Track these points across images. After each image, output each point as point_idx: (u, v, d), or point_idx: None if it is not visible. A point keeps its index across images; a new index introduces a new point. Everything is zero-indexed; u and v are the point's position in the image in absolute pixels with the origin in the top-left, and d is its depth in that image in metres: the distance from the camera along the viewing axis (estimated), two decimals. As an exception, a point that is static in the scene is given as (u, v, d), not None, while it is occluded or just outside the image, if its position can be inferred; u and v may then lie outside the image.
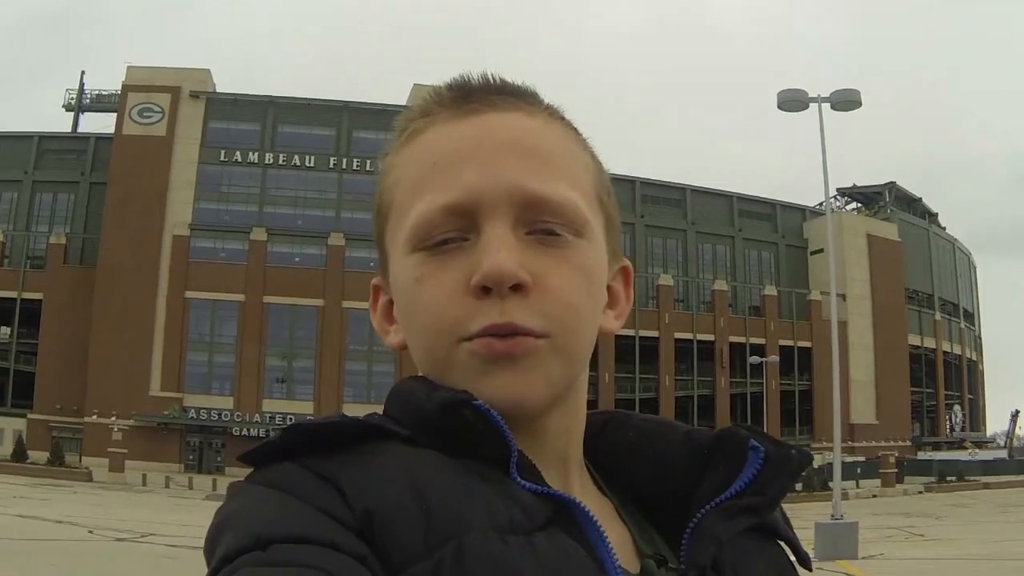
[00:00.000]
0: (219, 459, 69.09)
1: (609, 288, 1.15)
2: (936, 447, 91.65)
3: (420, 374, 1.09)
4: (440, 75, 1.11)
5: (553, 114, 1.13)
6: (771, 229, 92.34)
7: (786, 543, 1.15)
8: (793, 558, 1.16)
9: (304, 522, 0.88)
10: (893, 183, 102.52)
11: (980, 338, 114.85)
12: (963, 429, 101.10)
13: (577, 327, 1.04)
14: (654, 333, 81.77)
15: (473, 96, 1.09)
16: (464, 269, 1.01)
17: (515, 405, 1.01)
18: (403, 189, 1.08)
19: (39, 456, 60.27)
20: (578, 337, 1.04)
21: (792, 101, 28.32)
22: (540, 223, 1.04)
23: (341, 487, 0.91)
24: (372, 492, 0.91)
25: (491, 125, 1.06)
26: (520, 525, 0.92)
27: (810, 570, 1.20)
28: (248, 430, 68.54)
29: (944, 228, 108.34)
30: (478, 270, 1.00)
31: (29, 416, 71.79)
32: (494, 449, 0.98)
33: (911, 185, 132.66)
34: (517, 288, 1.00)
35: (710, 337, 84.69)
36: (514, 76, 1.14)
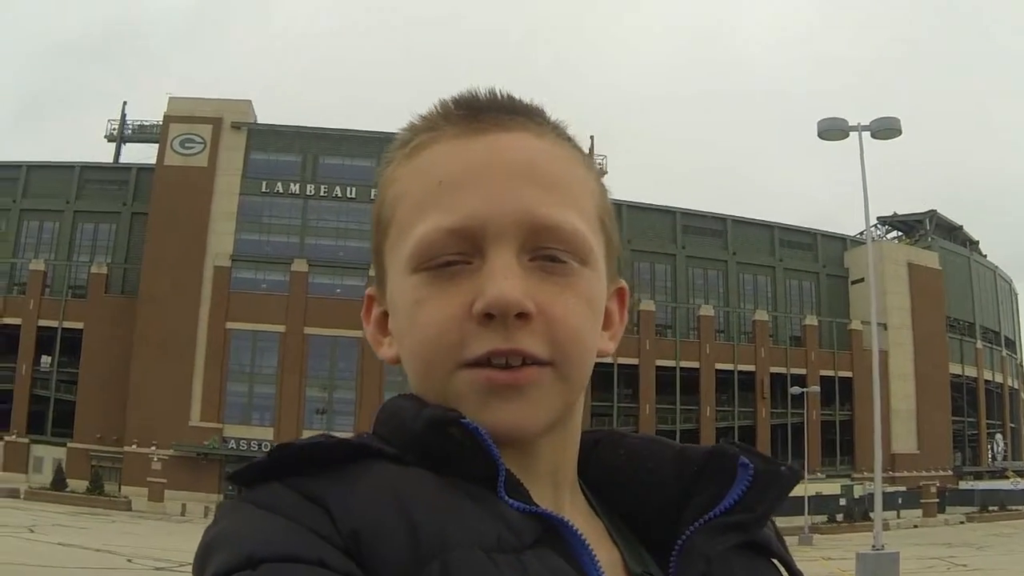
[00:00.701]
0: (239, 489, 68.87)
1: (605, 310, 1.14)
2: (978, 476, 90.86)
3: (410, 392, 1.09)
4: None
5: (560, 134, 1.12)
6: (812, 259, 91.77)
7: (779, 562, 1.14)
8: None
9: (293, 541, 0.88)
10: (934, 211, 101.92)
11: (1022, 366, 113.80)
12: (1005, 458, 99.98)
13: (580, 355, 1.05)
14: (695, 364, 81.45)
15: (481, 114, 1.08)
16: (466, 294, 1.01)
17: (514, 432, 1.02)
18: (406, 205, 1.07)
19: (79, 485, 60.81)
20: (580, 365, 1.05)
21: (833, 130, 28.13)
22: (545, 250, 1.04)
23: (328, 507, 0.92)
24: (359, 512, 0.91)
25: (499, 146, 1.06)
26: (508, 544, 0.93)
27: None
28: (289, 461, 68.17)
29: (985, 256, 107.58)
30: (481, 297, 1.00)
31: (69, 445, 71.96)
32: (482, 468, 0.98)
33: (953, 212, 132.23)
34: (521, 316, 1.00)
35: (751, 367, 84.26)
36: (522, 93, 1.13)
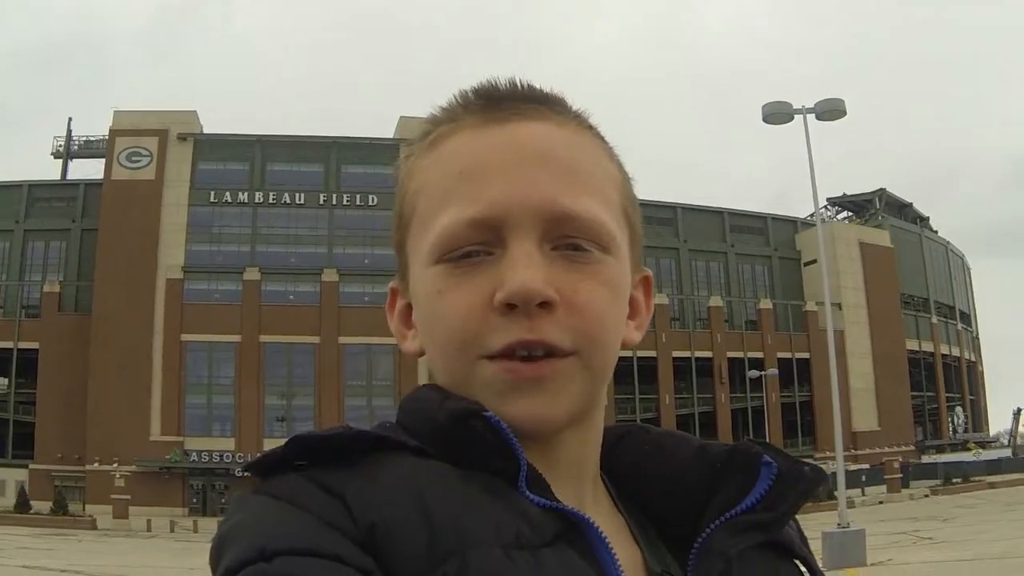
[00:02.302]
0: (223, 501, 68.73)
1: (631, 298, 1.13)
2: (940, 450, 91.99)
3: (435, 383, 1.08)
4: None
5: (582, 123, 1.11)
6: (763, 242, 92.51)
7: (801, 562, 1.13)
8: None
9: (309, 535, 0.87)
10: (883, 190, 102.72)
11: (978, 339, 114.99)
12: (966, 430, 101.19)
13: (605, 343, 1.04)
14: (652, 353, 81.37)
15: (501, 103, 1.07)
16: (488, 284, 1.00)
17: (537, 425, 1.01)
18: (427, 197, 1.07)
19: (42, 506, 60.41)
20: (605, 353, 1.04)
21: (777, 114, 28.33)
22: (567, 239, 1.03)
23: (346, 500, 0.91)
24: (377, 505, 0.90)
25: (520, 136, 1.05)
26: (527, 540, 0.92)
27: None
28: (250, 471, 67.95)
29: (936, 232, 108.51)
30: (503, 287, 0.99)
31: (31, 466, 71.45)
32: (504, 462, 0.97)
33: (902, 191, 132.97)
34: (544, 305, 0.99)
35: (708, 354, 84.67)
36: (543, 82, 1.12)
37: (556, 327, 1.00)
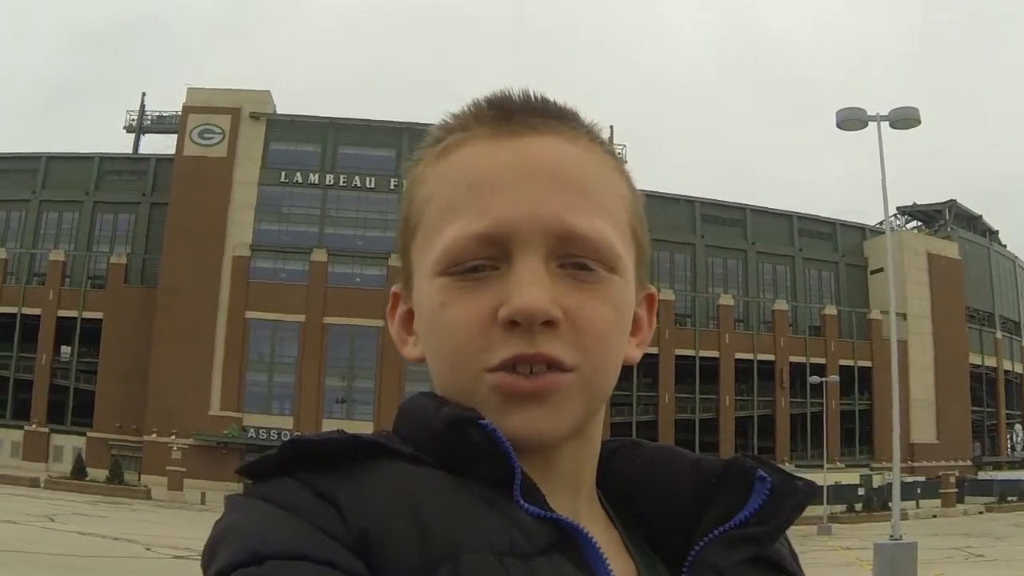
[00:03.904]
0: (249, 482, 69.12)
1: (634, 315, 1.14)
2: (997, 467, 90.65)
3: (432, 391, 1.09)
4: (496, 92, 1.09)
5: (594, 138, 1.10)
6: (831, 248, 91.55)
7: None
8: None
9: (301, 539, 0.87)
10: (953, 201, 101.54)
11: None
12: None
13: (605, 362, 1.04)
14: (714, 353, 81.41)
15: (514, 116, 1.06)
16: (492, 299, 1.00)
17: (533, 440, 1.01)
18: (434, 207, 1.06)
19: (98, 474, 60.80)
20: (605, 372, 1.04)
21: (851, 120, 28.04)
22: (573, 257, 1.02)
23: (339, 505, 0.91)
24: (369, 512, 0.90)
25: (530, 151, 1.04)
26: (520, 549, 0.92)
27: None
28: (308, 450, 68.04)
29: (1005, 246, 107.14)
30: (507, 303, 0.99)
31: (89, 434, 72.47)
32: (498, 470, 0.97)
33: (972, 202, 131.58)
34: (547, 323, 0.99)
35: (770, 357, 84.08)
36: (556, 95, 1.11)
37: (558, 343, 1.00)
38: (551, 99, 1.11)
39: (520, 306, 0.98)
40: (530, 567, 0.91)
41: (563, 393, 1.01)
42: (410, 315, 1.13)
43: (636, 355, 1.14)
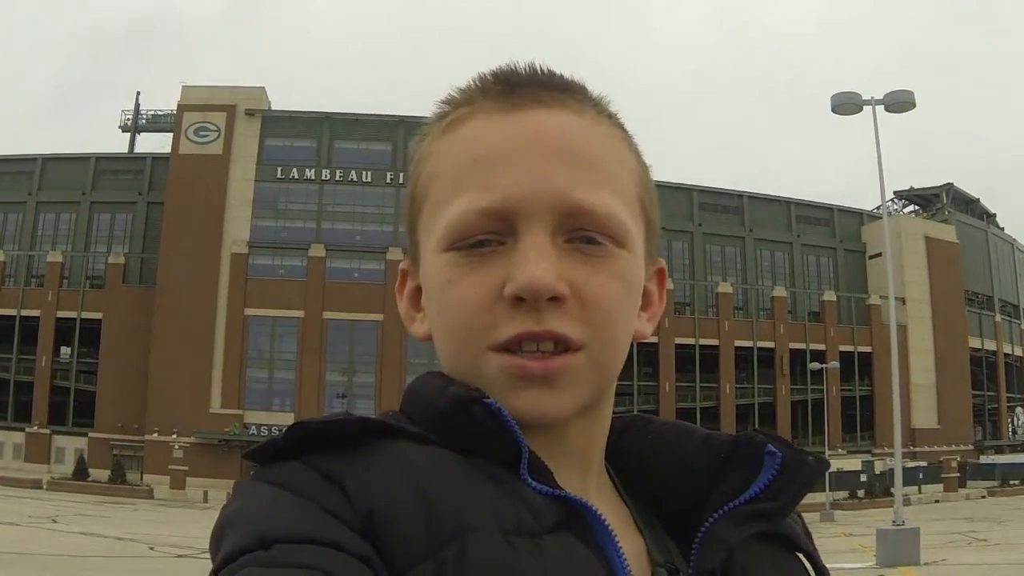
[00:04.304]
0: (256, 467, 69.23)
1: (644, 289, 1.12)
2: (999, 451, 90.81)
3: (439, 371, 1.07)
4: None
5: (601, 111, 1.09)
6: (829, 234, 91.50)
7: (805, 556, 1.13)
8: (812, 572, 1.14)
9: (307, 522, 0.87)
10: (950, 184, 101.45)
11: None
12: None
13: (614, 338, 1.03)
14: (714, 341, 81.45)
15: (519, 89, 1.05)
16: (498, 274, 0.99)
17: (540, 420, 1.00)
18: (440, 182, 1.05)
19: (100, 474, 61.05)
20: (614, 348, 1.03)
21: (846, 104, 28.11)
22: (580, 232, 1.01)
23: (345, 487, 0.90)
24: (376, 492, 0.90)
25: (536, 124, 1.03)
26: (528, 527, 0.91)
27: None
28: (310, 446, 67.89)
29: (1003, 229, 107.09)
30: (513, 279, 0.98)
31: (90, 434, 72.46)
32: (505, 449, 0.97)
33: (970, 186, 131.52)
34: (553, 299, 0.98)
35: (770, 344, 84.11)
36: (563, 68, 1.09)
37: (565, 320, 0.99)
38: (557, 72, 1.09)
39: (525, 282, 0.97)
40: (538, 545, 0.90)
41: (571, 374, 1.00)
42: (418, 292, 1.12)
43: (647, 330, 1.13)
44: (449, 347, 1.04)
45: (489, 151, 1.02)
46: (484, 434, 0.97)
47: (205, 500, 55.86)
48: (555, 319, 0.98)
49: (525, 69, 1.07)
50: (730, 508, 1.05)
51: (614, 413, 1.15)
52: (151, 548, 25.23)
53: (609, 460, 1.15)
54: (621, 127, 1.11)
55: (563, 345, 0.99)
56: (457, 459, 0.95)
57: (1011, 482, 68.66)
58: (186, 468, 61.57)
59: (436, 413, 1.00)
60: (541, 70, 1.07)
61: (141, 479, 64.50)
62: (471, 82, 1.09)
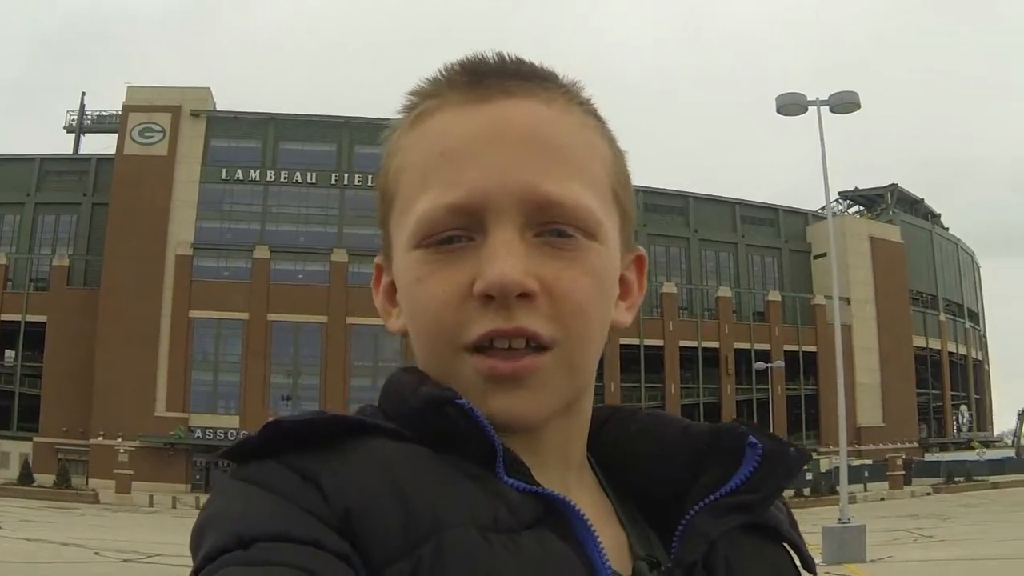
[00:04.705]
0: (233, 465, 69.00)
1: (622, 278, 1.11)
2: (944, 448, 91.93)
3: (414, 366, 1.07)
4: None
5: (572, 99, 1.06)
6: (774, 234, 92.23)
7: (790, 545, 1.12)
8: (797, 561, 1.14)
9: (286, 520, 0.87)
10: (895, 185, 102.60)
11: (985, 338, 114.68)
12: (970, 429, 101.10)
13: (587, 333, 1.01)
14: (659, 342, 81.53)
15: (486, 80, 1.03)
16: (468, 271, 0.98)
17: (515, 422, 0.99)
18: (408, 177, 1.04)
19: (45, 479, 60.39)
20: (587, 344, 1.02)
21: (791, 105, 28.28)
22: (550, 225, 0.99)
23: (321, 485, 0.90)
24: (352, 490, 0.89)
25: (503, 116, 1.01)
26: (505, 523, 0.91)
27: (813, 574, 1.17)
28: (255, 449, 67.55)
29: (947, 229, 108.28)
30: (482, 276, 0.96)
31: (35, 439, 71.59)
32: (480, 447, 0.96)
33: (914, 187, 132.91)
34: (523, 296, 0.97)
35: (715, 344, 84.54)
36: (533, 57, 1.07)
37: (535, 316, 0.97)
38: (527, 60, 1.07)
39: (493, 279, 0.95)
40: (515, 542, 0.90)
41: (542, 374, 0.98)
42: (393, 287, 1.10)
43: (626, 319, 1.12)
44: (423, 345, 1.03)
45: (456, 145, 1.00)
46: (458, 433, 0.96)
47: (151, 504, 55.50)
48: (525, 316, 0.97)
49: (493, 59, 1.05)
50: (711, 500, 1.04)
51: (597, 406, 1.14)
52: (96, 553, 25.02)
53: (592, 452, 1.14)
54: (594, 114, 1.09)
55: (534, 342, 0.98)
56: (433, 456, 0.95)
57: (956, 479, 69.23)
58: (131, 472, 60.95)
59: (409, 411, 0.99)
60: (509, 59, 1.05)
61: (87, 483, 63.85)
62: (439, 73, 1.06)
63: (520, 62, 1.06)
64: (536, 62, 1.07)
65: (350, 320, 73.14)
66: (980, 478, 69.80)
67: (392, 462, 0.92)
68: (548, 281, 0.98)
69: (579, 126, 1.05)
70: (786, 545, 1.12)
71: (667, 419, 1.16)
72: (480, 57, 1.06)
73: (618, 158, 1.11)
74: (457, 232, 0.99)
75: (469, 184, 0.98)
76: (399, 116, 1.09)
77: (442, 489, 0.91)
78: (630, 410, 1.20)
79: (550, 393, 1.00)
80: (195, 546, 0.90)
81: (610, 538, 1.01)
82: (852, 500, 37.77)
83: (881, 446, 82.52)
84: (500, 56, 1.05)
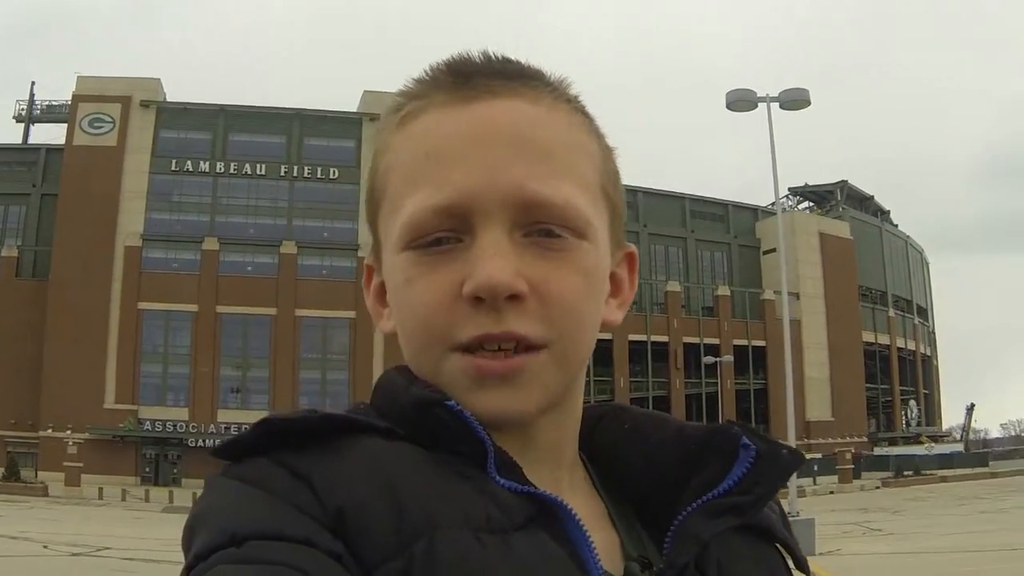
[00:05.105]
0: (175, 471, 68.94)
1: (613, 275, 1.10)
2: (892, 442, 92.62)
3: (404, 365, 1.06)
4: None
5: (559, 96, 1.05)
6: (724, 230, 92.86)
7: (782, 546, 1.12)
8: (791, 562, 1.13)
9: (278, 519, 0.86)
10: (845, 182, 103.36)
11: (934, 334, 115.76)
12: (919, 424, 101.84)
13: (577, 333, 1.00)
14: (607, 335, 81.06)
15: (472, 79, 1.02)
16: (457, 273, 0.97)
17: (502, 420, 0.98)
18: (396, 178, 1.03)
19: (-6, 472, 59.94)
20: (577, 344, 1.01)
21: (741, 101, 28.39)
22: (538, 225, 0.99)
23: (312, 483, 0.89)
24: (343, 489, 0.89)
25: (489, 116, 1.00)
26: (497, 524, 0.90)
27: (807, 574, 1.15)
28: (203, 441, 67.44)
29: (896, 225, 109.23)
30: (470, 279, 0.95)
31: (-17, 432, 70.92)
32: (471, 447, 0.95)
33: (864, 183, 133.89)
34: (513, 297, 0.96)
35: (664, 338, 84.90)
36: (518, 54, 1.07)
37: (525, 319, 0.96)
38: (513, 59, 1.05)
39: (482, 281, 0.94)
40: (507, 542, 0.89)
41: (532, 373, 0.98)
42: (383, 288, 1.09)
43: (617, 317, 1.11)
44: (412, 347, 1.02)
45: (442, 146, 0.99)
46: (448, 434, 0.96)
47: (100, 497, 55.25)
48: (515, 319, 0.96)
49: (479, 58, 1.04)
50: (702, 502, 1.04)
51: (589, 403, 1.15)
52: (44, 547, 24.88)
53: (585, 450, 1.14)
54: (581, 111, 1.08)
55: (525, 344, 0.97)
56: (426, 455, 0.94)
57: (905, 473, 69.77)
58: (81, 465, 60.63)
59: (400, 411, 0.99)
60: (495, 58, 1.04)
61: (36, 476, 63.39)
62: (425, 73, 1.06)
63: (506, 61, 1.05)
64: (523, 61, 1.06)
65: (299, 312, 73.30)
66: (929, 472, 70.41)
67: (384, 461, 0.92)
68: (537, 282, 0.97)
69: (566, 124, 1.04)
70: (779, 546, 1.12)
71: (661, 418, 1.16)
72: (466, 57, 1.04)
73: (607, 155, 1.10)
74: (445, 234, 0.98)
75: (455, 185, 0.97)
76: (387, 116, 1.08)
77: (434, 489, 0.91)
78: (623, 408, 1.19)
79: (540, 390, 0.99)
80: (187, 543, 0.89)
81: (602, 538, 1.00)
82: (801, 494, 38.04)
83: (830, 440, 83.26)
84: (486, 55, 1.04)
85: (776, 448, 1.07)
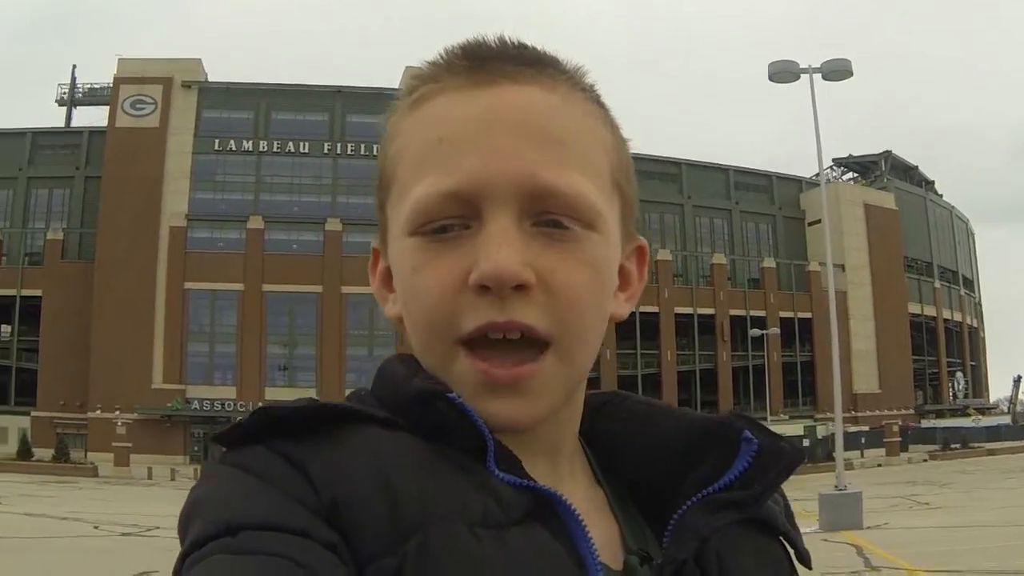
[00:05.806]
0: (223, 449, 69.14)
1: (622, 268, 1.08)
2: (939, 415, 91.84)
3: (408, 354, 1.05)
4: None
5: (575, 85, 1.03)
6: (768, 201, 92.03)
7: (785, 539, 1.09)
8: (793, 555, 1.11)
9: (274, 509, 0.85)
10: (889, 152, 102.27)
11: (980, 305, 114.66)
12: (966, 396, 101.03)
13: (583, 327, 0.98)
14: (654, 308, 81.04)
15: (487, 64, 1.00)
16: (463, 260, 0.95)
17: (512, 425, 0.97)
18: (406, 162, 1.01)
19: (44, 453, 60.59)
20: (584, 339, 0.99)
21: (783, 72, 28.33)
22: (547, 215, 0.96)
23: (310, 474, 0.88)
24: (340, 481, 0.87)
25: (503, 102, 0.98)
26: (494, 518, 0.89)
27: (809, 568, 1.14)
28: (252, 419, 67.54)
29: (941, 196, 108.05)
30: (476, 267, 0.94)
31: (33, 414, 71.61)
32: (471, 441, 0.94)
33: (909, 154, 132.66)
34: (519, 287, 0.94)
35: (710, 311, 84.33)
36: (536, 41, 1.04)
37: (531, 308, 0.95)
38: (529, 45, 1.03)
39: (489, 270, 0.93)
40: (503, 538, 0.88)
41: (540, 379, 0.97)
42: (389, 272, 1.08)
43: (624, 311, 1.09)
44: (418, 335, 1.01)
45: (453, 130, 0.97)
46: (449, 426, 0.94)
47: (149, 477, 55.54)
48: (520, 308, 0.94)
49: (494, 42, 1.01)
50: (703, 496, 1.03)
51: (593, 390, 1.13)
52: (95, 527, 25.06)
53: (587, 437, 1.13)
54: (597, 101, 1.05)
55: (530, 335, 0.95)
56: (425, 447, 0.93)
57: (952, 446, 69.32)
58: (130, 445, 61.09)
59: (401, 401, 0.98)
60: (511, 43, 1.02)
61: (85, 457, 63.87)
62: (439, 56, 1.03)
63: (522, 47, 1.02)
64: (539, 47, 1.04)
65: (345, 289, 73.06)
66: (976, 445, 69.89)
67: (382, 452, 0.90)
68: (545, 272, 0.95)
69: (581, 113, 1.02)
70: (781, 539, 1.10)
71: (663, 408, 1.14)
72: (481, 41, 1.02)
73: (620, 146, 1.07)
74: (453, 220, 0.96)
75: (466, 171, 0.95)
76: (399, 99, 1.06)
77: (432, 482, 0.89)
78: (624, 396, 1.18)
79: (548, 397, 0.98)
80: (183, 530, 0.89)
81: (602, 530, 1.00)
82: (849, 467, 37.72)
83: (877, 412, 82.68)
84: (502, 40, 1.02)
85: (778, 443, 1.05)
